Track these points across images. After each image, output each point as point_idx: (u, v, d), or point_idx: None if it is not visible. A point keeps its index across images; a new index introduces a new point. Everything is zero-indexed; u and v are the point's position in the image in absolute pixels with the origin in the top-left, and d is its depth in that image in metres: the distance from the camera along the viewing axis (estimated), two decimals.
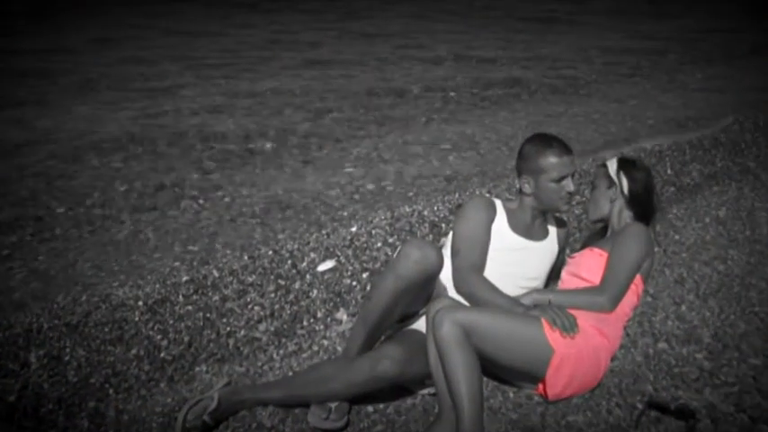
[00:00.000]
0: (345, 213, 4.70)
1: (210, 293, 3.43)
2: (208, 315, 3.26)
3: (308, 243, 4.06)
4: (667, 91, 9.62)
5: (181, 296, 3.37)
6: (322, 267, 3.75)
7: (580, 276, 2.45)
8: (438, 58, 11.18)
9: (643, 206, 2.53)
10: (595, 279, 2.42)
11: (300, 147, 6.61)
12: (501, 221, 2.52)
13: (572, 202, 2.63)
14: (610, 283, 2.37)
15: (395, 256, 2.34)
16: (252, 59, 11.10)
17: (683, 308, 3.17)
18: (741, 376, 2.48)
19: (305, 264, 3.77)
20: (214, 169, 5.87)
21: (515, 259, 2.46)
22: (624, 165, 2.56)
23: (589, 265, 2.46)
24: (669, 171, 5.65)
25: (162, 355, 2.96)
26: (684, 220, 4.65)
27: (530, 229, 2.55)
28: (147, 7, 17.65)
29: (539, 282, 2.55)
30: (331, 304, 3.44)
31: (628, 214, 2.55)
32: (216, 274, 3.61)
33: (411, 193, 5.13)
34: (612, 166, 2.57)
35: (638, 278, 2.48)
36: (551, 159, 2.36)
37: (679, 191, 5.36)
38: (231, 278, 3.57)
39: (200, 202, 5.12)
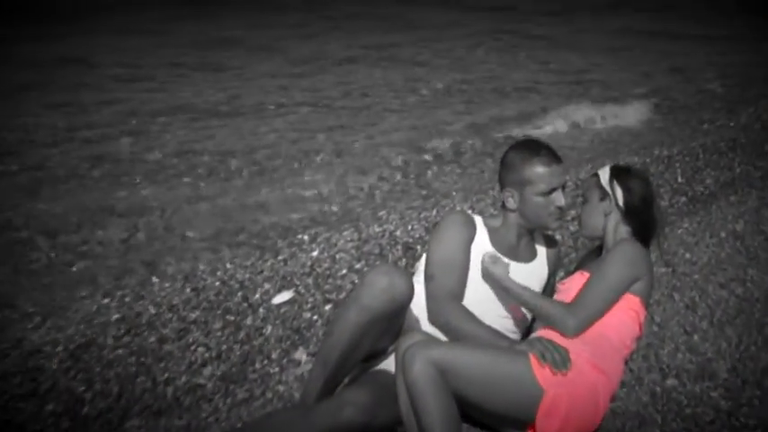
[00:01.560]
0: (305, 236, 4.71)
1: (146, 334, 3.40)
2: (142, 360, 3.23)
3: (262, 271, 4.06)
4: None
5: (110, 338, 3.34)
6: (278, 300, 3.75)
7: None
8: None
9: (641, 220, 2.56)
10: None
11: (253, 157, 6.62)
12: (482, 241, 2.54)
13: (564, 218, 2.67)
14: (580, 304, 2.36)
15: (358, 283, 2.35)
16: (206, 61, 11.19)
17: (696, 338, 3.18)
18: (764, 418, 2.49)
19: (258, 296, 3.76)
20: (149, 185, 5.85)
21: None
22: (618, 173, 2.56)
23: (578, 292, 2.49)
24: (680, 179, 5.76)
25: (85, 410, 2.89)
26: (697, 235, 4.70)
27: (515, 249, 2.57)
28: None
29: (526, 310, 2.58)
30: (288, 342, 3.43)
31: (625, 230, 2.57)
32: (152, 310, 3.59)
33: (382, 212, 5.15)
34: (605, 174, 2.58)
35: (636, 302, 2.49)
36: (538, 169, 2.40)
37: (691, 201, 5.44)
38: (171, 315, 3.54)
39: (134, 224, 5.09)
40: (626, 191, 2.53)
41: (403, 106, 9.00)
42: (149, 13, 16.74)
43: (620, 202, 2.53)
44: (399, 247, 4.23)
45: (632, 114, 8.57)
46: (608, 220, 2.56)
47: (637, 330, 2.56)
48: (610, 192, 2.55)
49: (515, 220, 2.53)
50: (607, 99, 9.24)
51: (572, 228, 4.38)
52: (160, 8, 17.51)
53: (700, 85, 10.35)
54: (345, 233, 4.53)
